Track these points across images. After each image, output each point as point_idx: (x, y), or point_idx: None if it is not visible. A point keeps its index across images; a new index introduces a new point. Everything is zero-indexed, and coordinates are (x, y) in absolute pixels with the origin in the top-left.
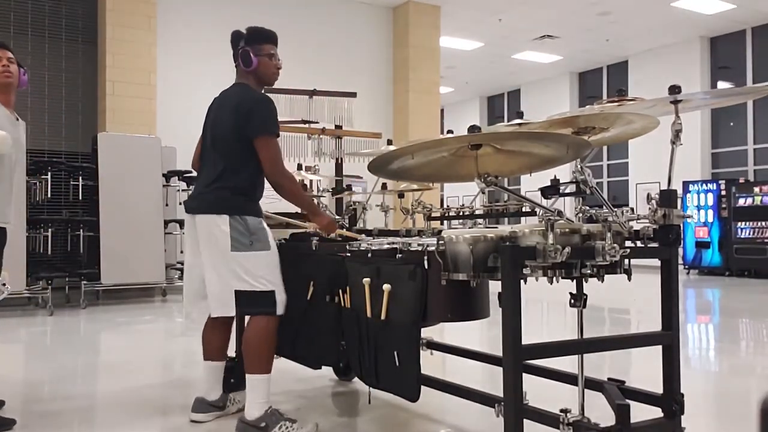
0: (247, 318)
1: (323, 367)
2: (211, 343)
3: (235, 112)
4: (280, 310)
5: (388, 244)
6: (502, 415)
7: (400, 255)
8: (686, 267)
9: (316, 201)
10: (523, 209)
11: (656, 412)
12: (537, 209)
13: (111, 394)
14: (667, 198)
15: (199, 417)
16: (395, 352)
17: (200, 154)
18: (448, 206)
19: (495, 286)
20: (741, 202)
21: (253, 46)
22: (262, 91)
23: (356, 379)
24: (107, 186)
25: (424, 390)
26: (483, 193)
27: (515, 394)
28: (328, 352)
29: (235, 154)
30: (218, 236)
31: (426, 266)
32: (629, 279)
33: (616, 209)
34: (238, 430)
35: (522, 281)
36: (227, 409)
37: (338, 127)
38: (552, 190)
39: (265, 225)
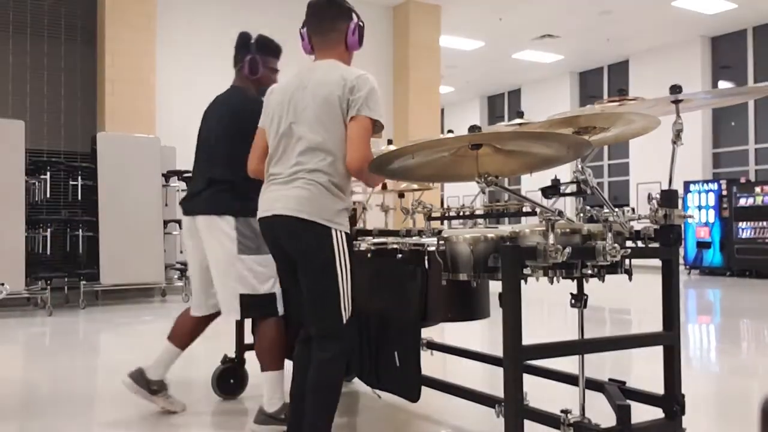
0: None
1: None
2: (179, 328)
3: (229, 113)
4: (281, 310)
5: (388, 244)
6: (502, 416)
7: (400, 255)
8: (687, 267)
9: None
10: (524, 209)
11: (657, 413)
12: (537, 209)
13: (110, 395)
14: (668, 198)
15: (127, 382)
16: (395, 353)
17: (196, 155)
18: (448, 206)
19: (495, 286)
20: (742, 202)
21: (264, 57)
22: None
23: (356, 379)
24: (106, 186)
25: (425, 390)
26: (483, 193)
27: (516, 394)
28: None
29: (232, 155)
30: (223, 239)
31: (426, 266)
32: (630, 279)
33: (616, 209)
34: (257, 421)
35: (522, 281)
36: (155, 397)
37: None
38: (552, 190)
39: None
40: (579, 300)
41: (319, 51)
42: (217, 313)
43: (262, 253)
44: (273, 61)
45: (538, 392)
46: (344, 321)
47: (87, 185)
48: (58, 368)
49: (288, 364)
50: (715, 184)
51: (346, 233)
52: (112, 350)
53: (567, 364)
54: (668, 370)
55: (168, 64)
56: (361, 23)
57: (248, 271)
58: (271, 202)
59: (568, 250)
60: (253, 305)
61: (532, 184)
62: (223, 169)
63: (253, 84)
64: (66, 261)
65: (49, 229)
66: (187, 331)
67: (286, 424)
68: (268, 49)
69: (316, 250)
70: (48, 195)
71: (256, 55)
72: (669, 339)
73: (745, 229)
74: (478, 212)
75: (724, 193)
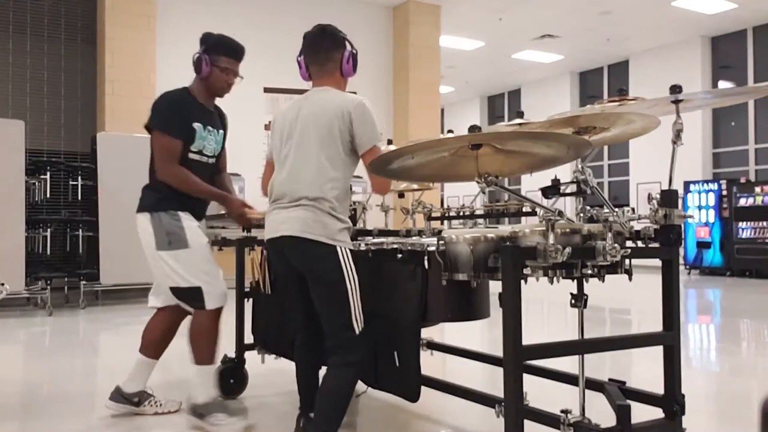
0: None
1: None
2: (149, 338)
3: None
4: (210, 304)
5: (388, 244)
6: (502, 416)
7: (400, 255)
8: (687, 267)
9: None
10: (524, 209)
11: (657, 413)
12: (537, 209)
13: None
14: (668, 198)
15: (110, 405)
16: (395, 353)
17: None
18: (448, 206)
19: (495, 286)
20: (742, 202)
21: (211, 55)
22: (215, 100)
23: None
24: (106, 186)
25: (424, 390)
26: (483, 193)
27: (516, 394)
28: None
29: (152, 153)
30: (145, 235)
31: (426, 266)
32: (630, 279)
33: (616, 209)
34: (192, 414)
35: (522, 281)
36: (142, 408)
37: None
38: (552, 190)
39: (184, 222)
40: (579, 300)
41: (316, 79)
42: (184, 315)
43: (175, 248)
44: (226, 60)
45: (538, 392)
46: (357, 332)
47: (87, 185)
48: (58, 368)
49: (287, 364)
50: (715, 184)
51: (350, 249)
52: (112, 350)
53: (567, 364)
54: (668, 370)
55: (168, 64)
56: (354, 51)
57: (166, 265)
58: (277, 224)
59: (568, 250)
60: (179, 296)
61: (532, 184)
62: (150, 169)
63: (203, 83)
64: (66, 261)
65: (49, 229)
66: (158, 340)
67: (210, 422)
68: (220, 46)
69: (324, 267)
70: (48, 195)
71: (202, 54)
72: (669, 339)
73: (745, 229)
74: (478, 212)
75: (724, 193)
